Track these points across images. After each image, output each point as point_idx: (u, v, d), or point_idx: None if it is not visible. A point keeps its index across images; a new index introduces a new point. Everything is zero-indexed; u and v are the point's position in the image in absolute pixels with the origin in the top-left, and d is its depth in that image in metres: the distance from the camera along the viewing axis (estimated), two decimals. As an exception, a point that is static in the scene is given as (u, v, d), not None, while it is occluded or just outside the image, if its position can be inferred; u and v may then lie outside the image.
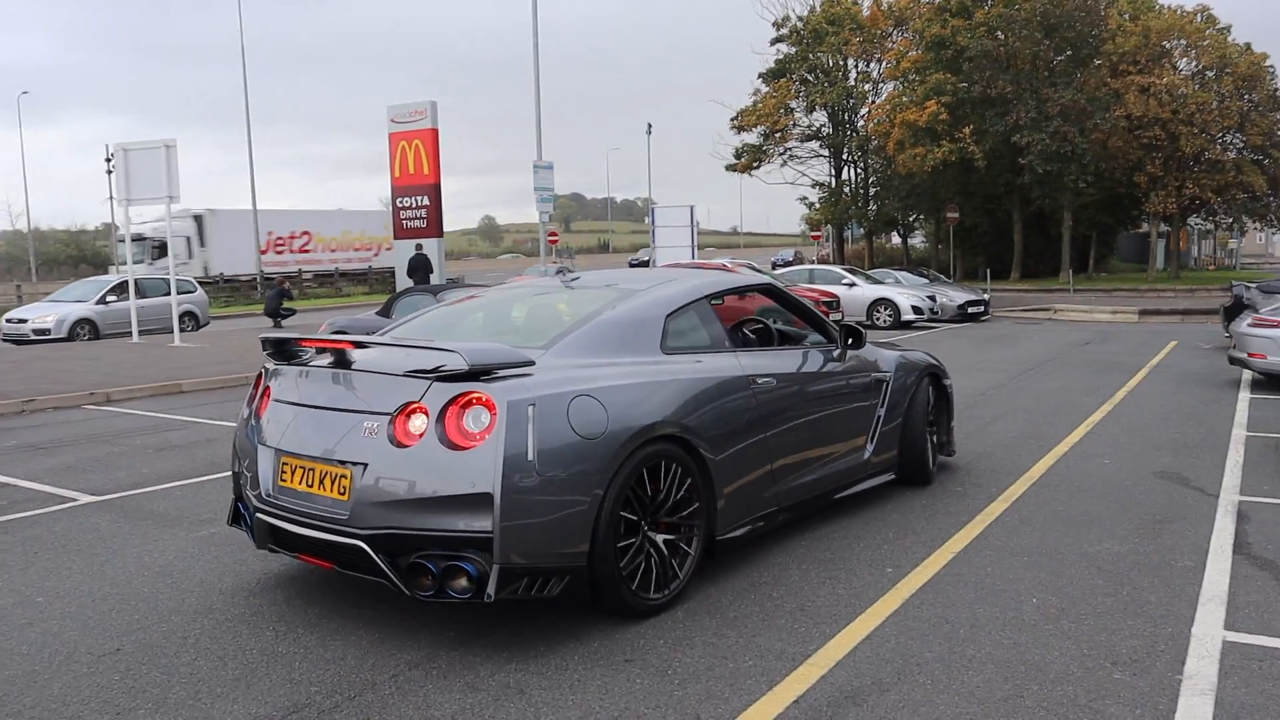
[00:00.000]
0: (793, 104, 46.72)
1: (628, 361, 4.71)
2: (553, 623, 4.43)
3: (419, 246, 26.86)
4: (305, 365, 4.85)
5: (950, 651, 4.08)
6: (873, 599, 4.72)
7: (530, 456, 4.01)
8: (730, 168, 48.85)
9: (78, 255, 63.90)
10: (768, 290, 6.38)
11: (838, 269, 26.38)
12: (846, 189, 49.09)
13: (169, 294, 22.76)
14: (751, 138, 47.97)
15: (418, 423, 4.14)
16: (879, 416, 6.51)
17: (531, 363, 4.30)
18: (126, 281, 23.26)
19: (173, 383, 13.39)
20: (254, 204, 45.08)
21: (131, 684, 3.91)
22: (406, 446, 4.11)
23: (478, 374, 4.13)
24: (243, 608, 4.74)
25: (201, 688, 3.85)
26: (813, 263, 43.03)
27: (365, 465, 4.16)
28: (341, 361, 4.71)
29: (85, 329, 22.17)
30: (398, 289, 26.76)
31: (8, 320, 22.68)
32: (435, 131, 31.93)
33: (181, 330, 21.95)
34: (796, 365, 5.86)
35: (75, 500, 7.08)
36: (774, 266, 42.24)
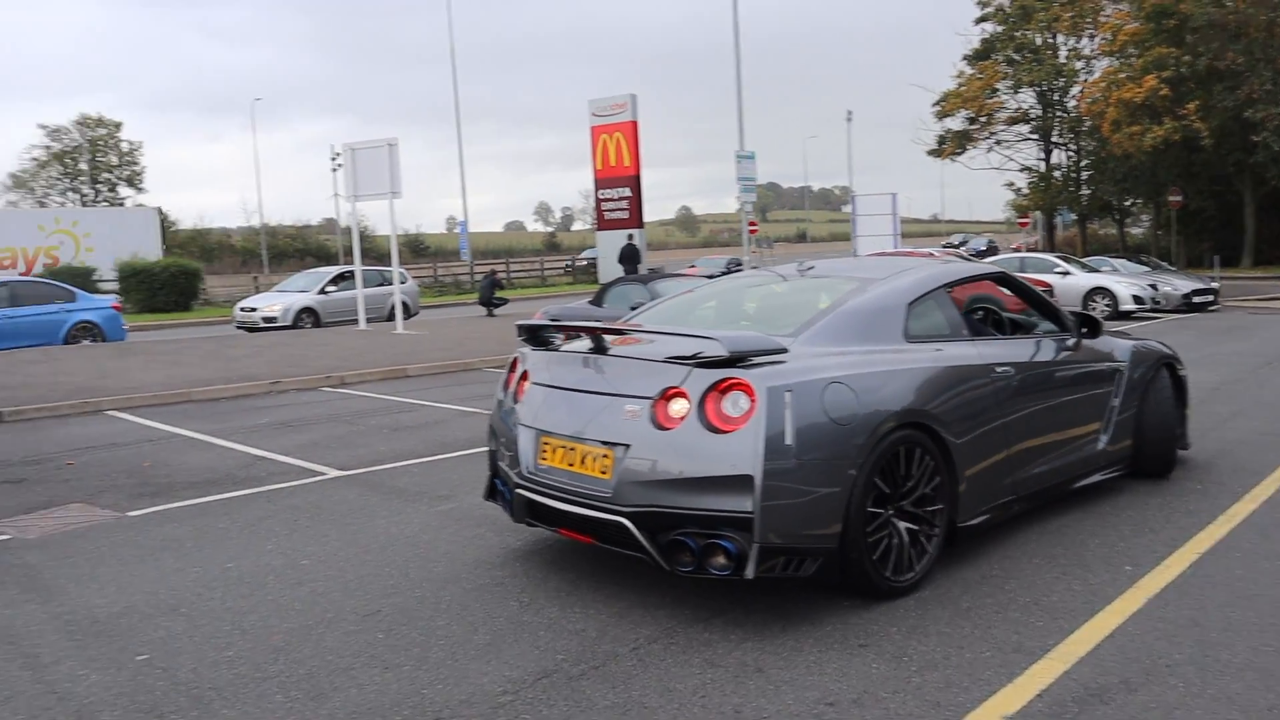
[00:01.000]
0: (998, 86, 44.92)
1: (873, 349, 4.79)
2: (785, 606, 4.51)
3: (630, 237, 27.29)
4: (560, 351, 5.12)
5: (1203, 655, 3.91)
6: (1111, 596, 4.56)
7: (789, 440, 4.16)
8: (933, 154, 47.46)
9: (303, 248, 68.51)
10: (1000, 279, 6.32)
11: (1050, 257, 25.24)
12: (1056, 173, 46.84)
13: (382, 285, 24.31)
14: (955, 123, 46.46)
15: (678, 406, 4.33)
16: (1114, 406, 6.36)
17: (785, 350, 4.44)
18: (344, 273, 24.94)
19: (398, 368, 14.23)
20: (464, 197, 46.90)
21: (394, 642, 4.24)
22: (668, 429, 4.31)
23: (734, 361, 4.28)
24: (486, 579, 5.04)
25: (457, 649, 4.14)
26: (1019, 251, 41.28)
27: (628, 446, 4.38)
28: (599, 347, 4.94)
29: (307, 317, 23.81)
30: (600, 279, 27.29)
31: (240, 309, 24.64)
32: (635, 124, 32.46)
33: (392, 319, 23.33)
34: (1032, 353, 5.77)
35: (324, 474, 7.68)
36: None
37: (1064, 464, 5.88)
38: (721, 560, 4.17)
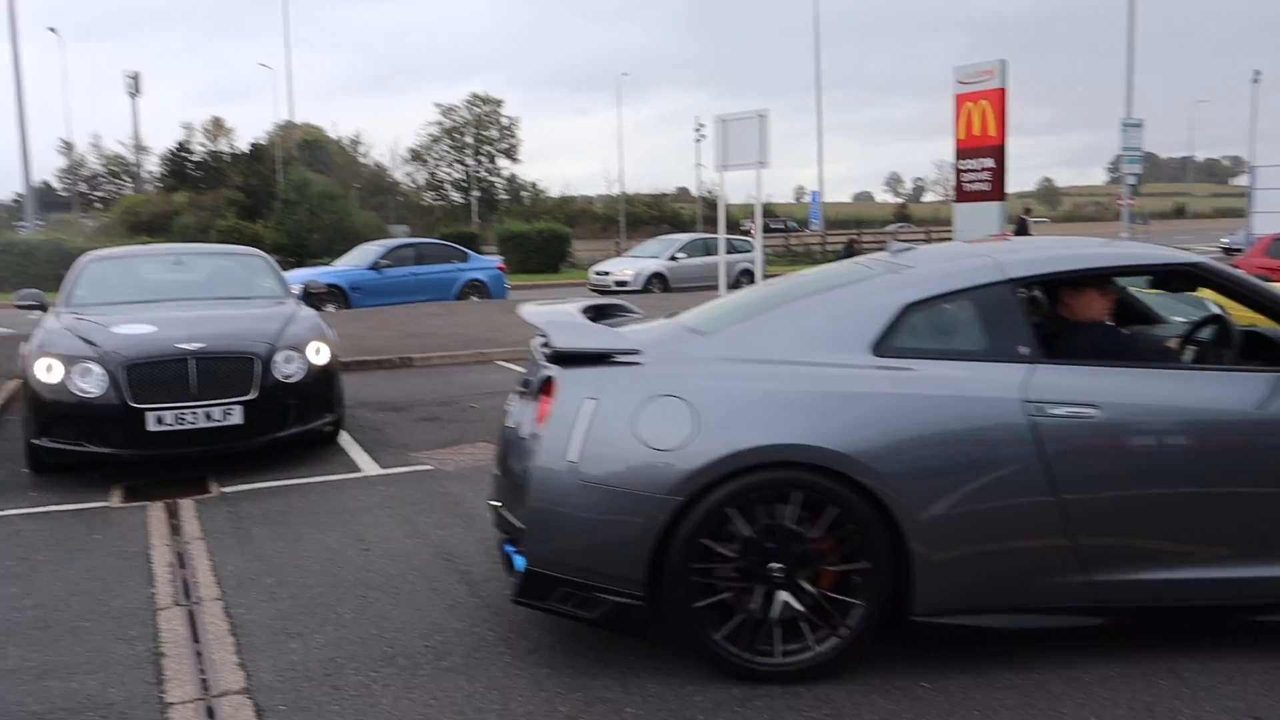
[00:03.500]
0: None
1: (808, 361, 3.72)
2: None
3: (1026, 211, 26.04)
4: None
5: None
6: None
7: (572, 456, 3.60)
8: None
9: (659, 216, 71.44)
10: (1193, 276, 4.09)
11: None
12: None
13: (731, 252, 25.09)
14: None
15: (522, 402, 4.19)
16: None
17: (636, 351, 3.78)
18: (692, 241, 25.95)
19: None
20: (820, 167, 47.01)
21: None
22: (510, 426, 4.16)
23: (570, 358, 3.80)
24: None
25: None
26: None
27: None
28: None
29: (657, 282, 24.89)
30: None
31: (594, 273, 26.27)
32: (1003, 91, 30.76)
33: (737, 286, 23.94)
34: (1174, 397, 3.70)
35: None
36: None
37: (1245, 577, 3.72)
38: (514, 579, 3.84)
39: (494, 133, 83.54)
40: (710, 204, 56.63)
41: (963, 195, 33.70)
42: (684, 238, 27.69)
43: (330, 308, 19.43)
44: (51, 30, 71.06)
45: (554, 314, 4.22)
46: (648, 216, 70.32)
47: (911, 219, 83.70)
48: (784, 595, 3.60)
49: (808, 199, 68.58)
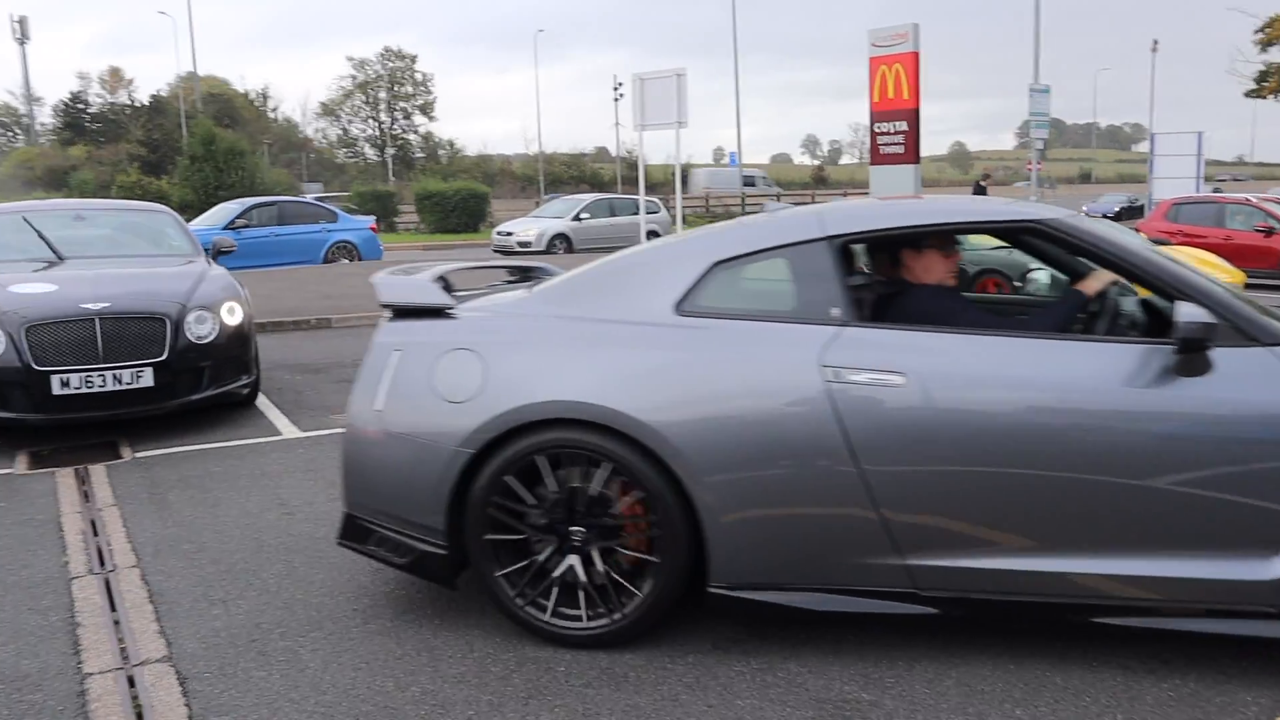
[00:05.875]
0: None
1: (609, 319, 3.67)
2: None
3: (985, 176, 26.71)
4: None
5: None
6: None
7: (378, 405, 3.73)
8: (1251, 94, 42.83)
9: (578, 176, 70.88)
10: (1038, 231, 3.67)
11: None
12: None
13: (636, 213, 25.07)
14: (1281, 52, 41.72)
15: None
16: None
17: (449, 306, 3.85)
18: (596, 201, 26.03)
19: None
20: (738, 129, 47.14)
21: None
22: None
23: (401, 311, 3.89)
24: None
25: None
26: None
27: None
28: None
29: (560, 243, 24.80)
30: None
31: (497, 233, 26.09)
32: (916, 55, 31.25)
33: (642, 246, 24.17)
34: (1003, 366, 3.35)
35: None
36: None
37: (1112, 575, 3.30)
38: None
39: (408, 88, 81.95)
40: (630, 164, 56.44)
41: (878, 158, 34.15)
42: (588, 198, 27.63)
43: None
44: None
45: (395, 274, 4.14)
46: (566, 176, 69.77)
47: (828, 181, 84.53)
48: (575, 558, 3.61)
49: (726, 160, 68.77)
